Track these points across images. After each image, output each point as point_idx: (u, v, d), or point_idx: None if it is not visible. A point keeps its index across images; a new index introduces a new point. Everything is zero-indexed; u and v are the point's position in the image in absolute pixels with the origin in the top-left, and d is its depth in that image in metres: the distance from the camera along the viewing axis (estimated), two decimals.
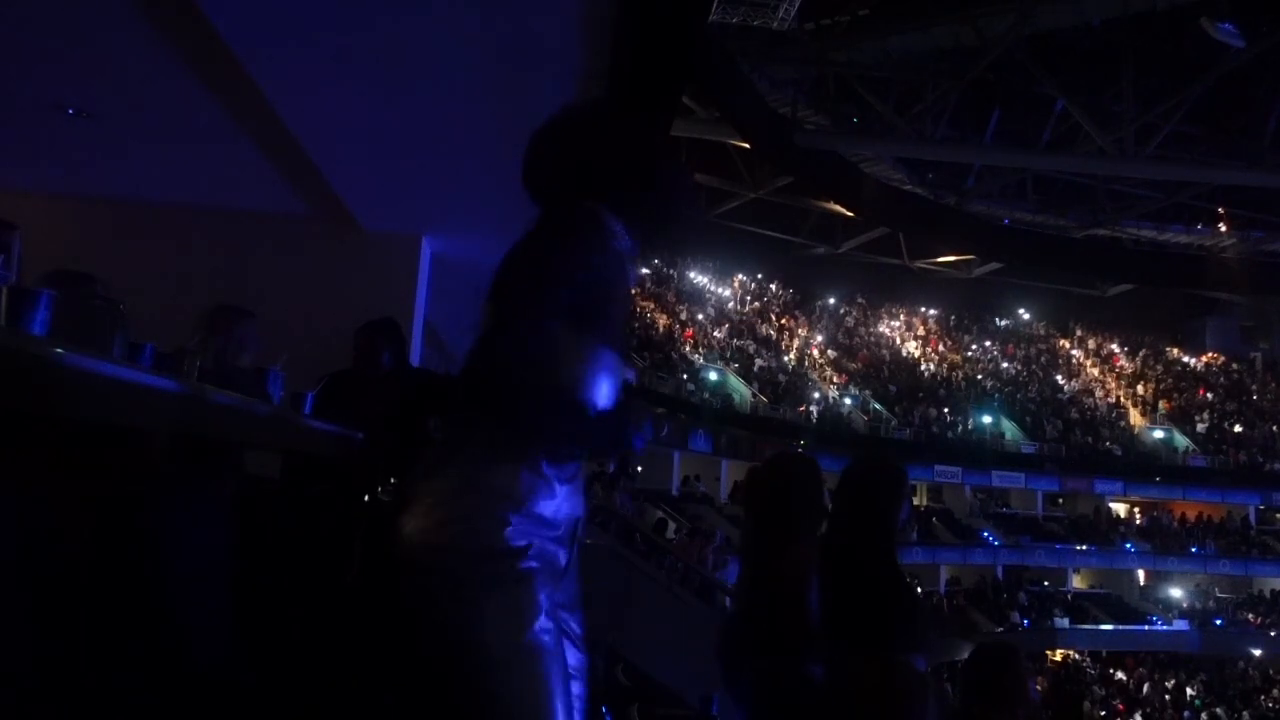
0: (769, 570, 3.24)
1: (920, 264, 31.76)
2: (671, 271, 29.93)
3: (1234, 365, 35.96)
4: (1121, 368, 35.30)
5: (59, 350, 1.43)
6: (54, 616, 1.58)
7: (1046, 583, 26.22)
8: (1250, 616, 26.16)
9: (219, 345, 3.24)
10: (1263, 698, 23.06)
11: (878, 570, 2.84)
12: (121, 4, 3.51)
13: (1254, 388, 34.85)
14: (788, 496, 3.38)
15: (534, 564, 1.50)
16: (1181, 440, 31.05)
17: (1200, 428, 31.82)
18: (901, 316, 34.29)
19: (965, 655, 3.24)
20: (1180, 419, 32.15)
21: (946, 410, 28.79)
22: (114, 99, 4.44)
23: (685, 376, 24.63)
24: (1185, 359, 36.17)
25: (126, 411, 1.61)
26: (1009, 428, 29.59)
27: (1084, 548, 26.93)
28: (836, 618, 2.83)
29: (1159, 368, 35.35)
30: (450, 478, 1.52)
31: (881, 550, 2.91)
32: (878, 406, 28.15)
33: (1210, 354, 36.23)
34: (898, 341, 33.14)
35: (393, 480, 2.09)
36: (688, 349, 26.62)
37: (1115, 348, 36.15)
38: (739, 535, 3.57)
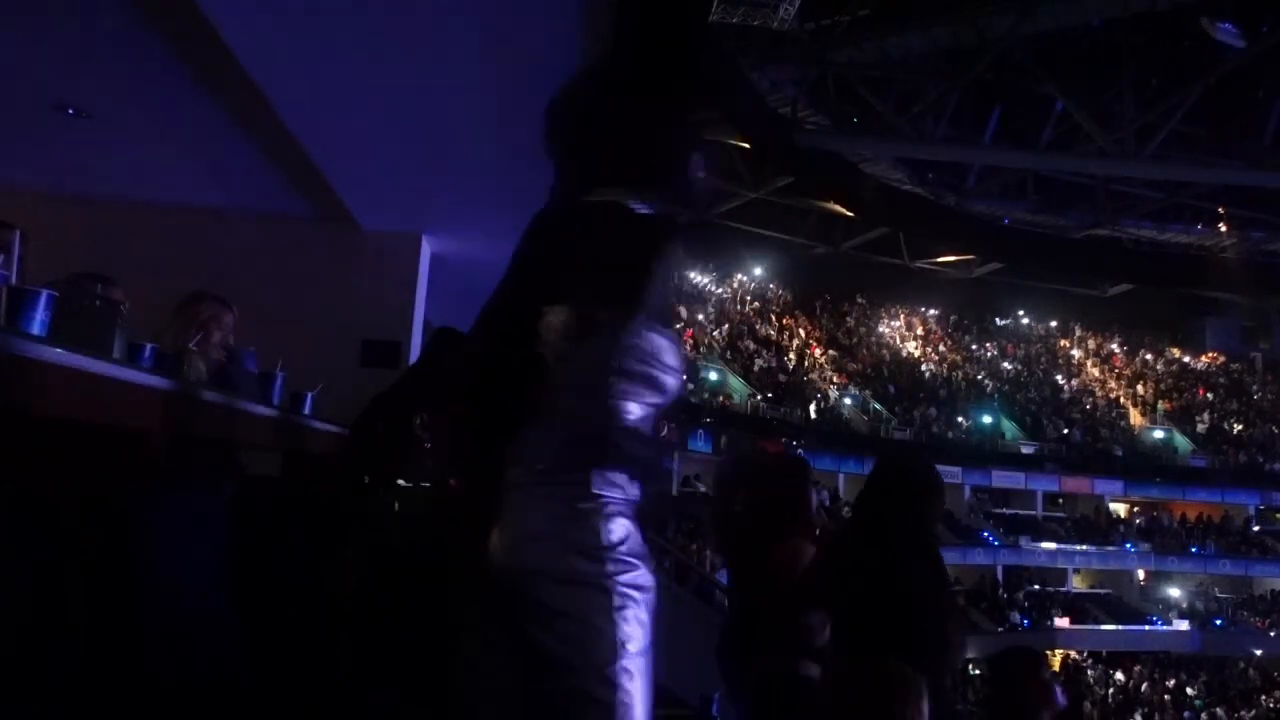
0: (760, 570, 3.22)
1: (920, 264, 31.70)
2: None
3: (1234, 365, 35.93)
4: (1121, 368, 35.29)
5: (59, 350, 1.43)
6: (54, 615, 1.58)
7: (1047, 583, 26.22)
8: (1250, 616, 26.16)
9: (214, 338, 3.24)
10: (1263, 698, 23.04)
11: (899, 577, 2.74)
12: (121, 4, 3.51)
13: (1254, 388, 34.84)
14: (782, 497, 3.36)
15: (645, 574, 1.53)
16: (1182, 440, 31.04)
17: (1200, 428, 31.81)
18: (901, 316, 34.23)
19: (966, 656, 3.17)
20: (1180, 419, 32.13)
21: (946, 410, 28.76)
22: (114, 99, 4.43)
23: (685, 376, 24.58)
24: (1185, 359, 36.14)
25: (126, 411, 1.61)
26: (1009, 428, 29.57)
27: (1084, 548, 26.91)
28: (848, 621, 2.79)
29: (1159, 368, 35.34)
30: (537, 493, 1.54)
31: (908, 556, 2.81)
32: (878, 406, 28.12)
33: (1210, 354, 36.20)
34: (898, 341, 33.11)
35: (385, 478, 2.09)
36: (688, 349, 26.62)
37: (1115, 348, 36.13)
38: (724, 533, 3.46)
